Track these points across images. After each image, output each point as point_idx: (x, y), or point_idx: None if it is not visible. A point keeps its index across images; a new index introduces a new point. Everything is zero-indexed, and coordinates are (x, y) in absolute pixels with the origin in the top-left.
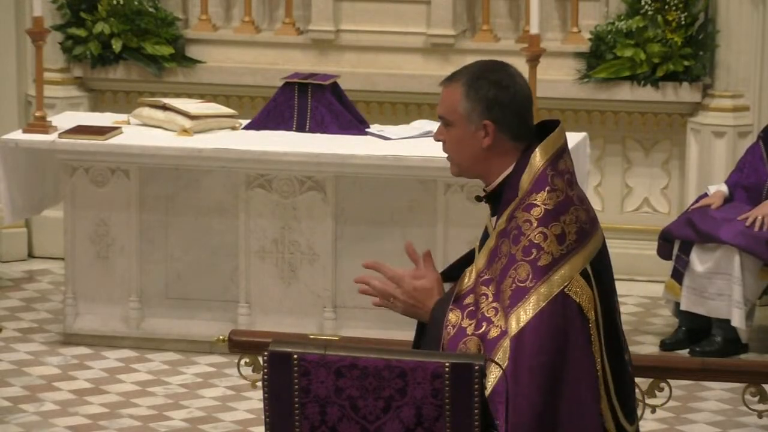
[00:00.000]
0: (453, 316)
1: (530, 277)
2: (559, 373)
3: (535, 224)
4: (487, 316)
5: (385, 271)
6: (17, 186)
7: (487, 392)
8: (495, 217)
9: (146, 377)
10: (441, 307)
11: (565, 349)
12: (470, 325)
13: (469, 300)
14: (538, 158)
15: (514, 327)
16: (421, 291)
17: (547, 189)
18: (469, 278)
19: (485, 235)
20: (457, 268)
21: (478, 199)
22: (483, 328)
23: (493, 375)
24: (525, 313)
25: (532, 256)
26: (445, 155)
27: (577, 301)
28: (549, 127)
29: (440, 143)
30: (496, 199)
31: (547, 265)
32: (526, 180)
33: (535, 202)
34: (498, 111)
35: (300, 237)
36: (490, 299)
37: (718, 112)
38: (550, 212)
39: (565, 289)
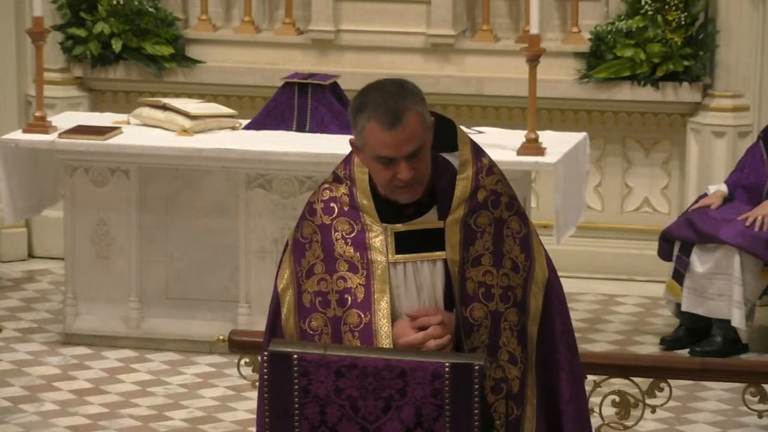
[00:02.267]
0: (478, 312)
1: (521, 225)
2: None
3: (504, 180)
4: (505, 285)
5: (433, 320)
6: (17, 186)
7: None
8: (426, 214)
9: (146, 377)
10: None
11: None
12: (496, 304)
13: (471, 288)
14: (462, 130)
15: (539, 272)
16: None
17: (484, 152)
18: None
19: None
20: None
21: (412, 209)
22: (511, 299)
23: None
24: (538, 257)
25: (515, 208)
26: (408, 186)
27: None
28: None
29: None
30: (427, 197)
31: (523, 208)
32: (465, 151)
33: (491, 164)
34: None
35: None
36: (495, 271)
37: (718, 112)
38: (498, 167)
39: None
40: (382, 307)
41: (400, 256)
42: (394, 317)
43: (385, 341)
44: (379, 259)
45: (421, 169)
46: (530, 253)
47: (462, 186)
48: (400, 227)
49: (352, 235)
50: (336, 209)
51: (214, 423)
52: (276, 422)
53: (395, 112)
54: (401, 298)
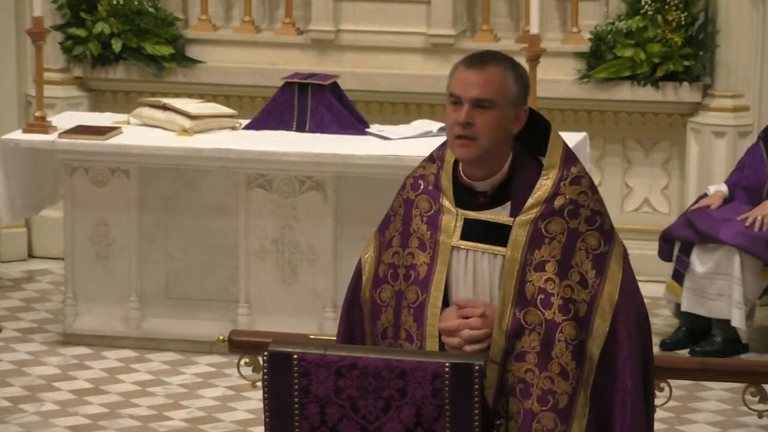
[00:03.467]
0: (532, 317)
1: (602, 243)
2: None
3: (590, 194)
4: (567, 297)
5: (476, 312)
6: (17, 186)
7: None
8: (499, 207)
9: (146, 377)
10: None
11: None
12: (554, 313)
13: (530, 291)
14: (558, 134)
15: (611, 293)
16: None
17: (577, 161)
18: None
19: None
20: None
21: (485, 198)
22: (571, 312)
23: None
24: (613, 277)
25: (597, 224)
26: (463, 135)
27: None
28: None
29: (458, 126)
30: (503, 191)
31: (611, 227)
32: (555, 157)
33: (579, 174)
34: (527, 99)
35: (300, 237)
36: (558, 281)
37: (718, 112)
38: (592, 180)
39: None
40: (439, 288)
41: (462, 242)
42: (449, 301)
43: (431, 322)
44: (445, 241)
45: (481, 126)
46: (603, 271)
47: (542, 189)
48: (471, 214)
49: (429, 213)
50: (422, 186)
51: (214, 423)
52: (276, 422)
53: (482, 58)
54: (459, 285)
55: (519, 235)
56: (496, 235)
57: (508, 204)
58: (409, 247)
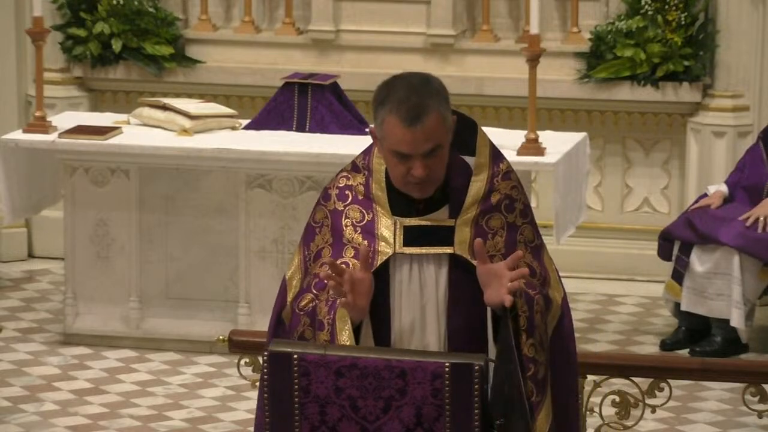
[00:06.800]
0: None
1: (535, 235)
2: None
3: (520, 188)
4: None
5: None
6: (17, 186)
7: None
8: (436, 211)
9: (146, 377)
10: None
11: None
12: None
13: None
14: (483, 132)
15: (555, 285)
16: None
17: (504, 157)
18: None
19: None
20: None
21: (422, 205)
22: (537, 288)
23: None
24: (552, 271)
25: (529, 217)
26: (421, 184)
27: None
28: None
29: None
30: (439, 195)
31: (535, 220)
32: (484, 155)
33: (508, 169)
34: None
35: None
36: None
37: (718, 112)
38: (516, 174)
39: None
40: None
41: (406, 248)
42: (391, 311)
43: (342, 336)
44: (385, 250)
45: (436, 168)
46: (542, 263)
47: (476, 188)
48: (409, 221)
49: (362, 223)
50: (350, 197)
51: (214, 423)
52: (276, 422)
53: (416, 110)
54: (402, 293)
55: (463, 234)
56: (439, 237)
57: (446, 207)
58: (343, 257)
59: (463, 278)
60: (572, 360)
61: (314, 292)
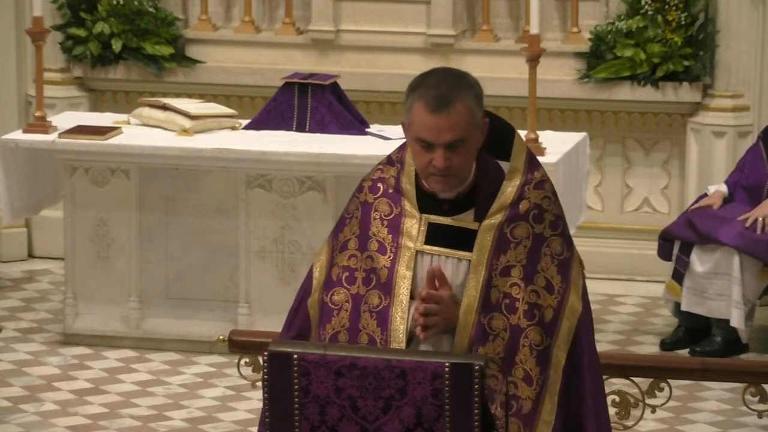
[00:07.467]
0: (497, 323)
1: (564, 248)
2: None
3: (553, 198)
4: (532, 302)
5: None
6: (17, 186)
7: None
8: (463, 213)
9: (146, 377)
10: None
11: None
12: (518, 318)
13: (494, 296)
14: (521, 138)
15: (575, 301)
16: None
17: (540, 166)
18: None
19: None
20: None
21: (449, 205)
22: (536, 317)
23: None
24: (576, 284)
25: (560, 229)
26: (442, 177)
27: None
28: None
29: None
30: (467, 197)
31: (569, 232)
32: (519, 161)
33: (543, 179)
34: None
35: (300, 237)
36: (523, 285)
37: (718, 112)
38: (553, 185)
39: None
40: (402, 292)
41: (427, 246)
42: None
43: (399, 327)
44: (408, 245)
45: (458, 163)
46: (567, 277)
47: (505, 193)
48: (435, 219)
49: (390, 217)
50: (381, 189)
51: (214, 423)
52: (276, 422)
53: (444, 98)
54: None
55: (485, 239)
56: (461, 240)
57: (472, 209)
58: (367, 251)
59: None
60: (599, 382)
61: (345, 286)
